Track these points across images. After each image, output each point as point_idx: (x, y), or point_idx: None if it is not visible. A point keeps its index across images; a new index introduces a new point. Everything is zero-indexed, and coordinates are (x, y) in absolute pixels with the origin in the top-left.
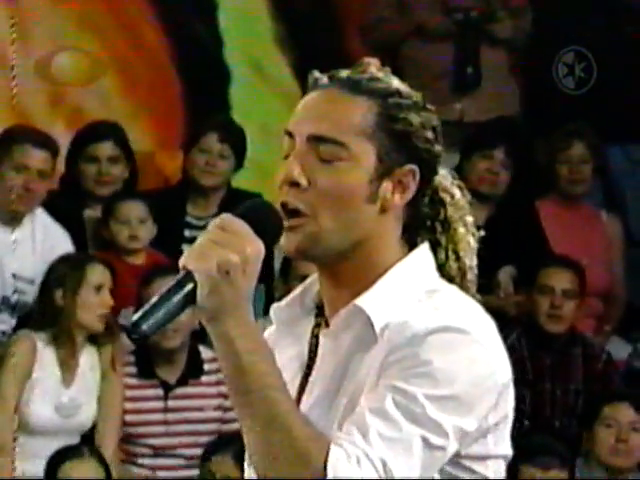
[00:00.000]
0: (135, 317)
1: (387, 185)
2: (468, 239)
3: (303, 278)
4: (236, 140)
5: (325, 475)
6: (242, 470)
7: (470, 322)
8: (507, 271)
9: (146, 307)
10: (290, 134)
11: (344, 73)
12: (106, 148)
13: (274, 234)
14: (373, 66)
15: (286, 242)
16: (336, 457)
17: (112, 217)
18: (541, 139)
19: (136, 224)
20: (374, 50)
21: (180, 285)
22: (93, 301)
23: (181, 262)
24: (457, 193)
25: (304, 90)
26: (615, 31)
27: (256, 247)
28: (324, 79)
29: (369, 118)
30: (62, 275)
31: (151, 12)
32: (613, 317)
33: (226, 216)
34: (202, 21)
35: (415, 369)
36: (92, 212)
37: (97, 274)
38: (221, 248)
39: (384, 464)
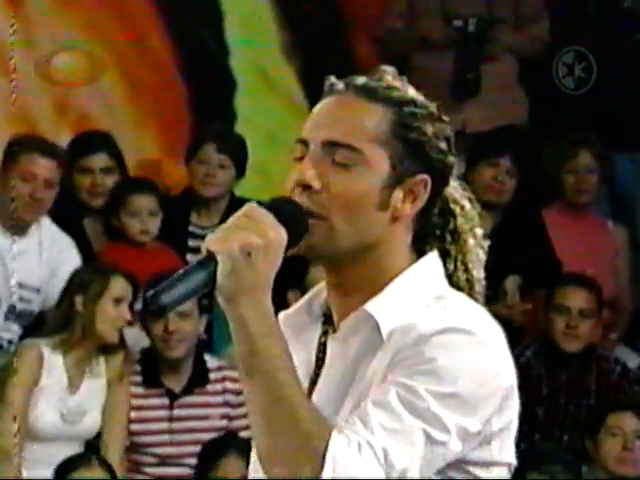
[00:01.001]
0: (154, 290)
1: (398, 193)
2: (477, 251)
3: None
4: (235, 149)
5: (324, 459)
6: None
7: (476, 324)
8: (513, 280)
9: (166, 282)
10: (304, 141)
11: (360, 80)
12: (99, 160)
13: (298, 229)
14: (389, 74)
15: None
16: (337, 443)
17: (122, 208)
18: (548, 147)
19: (147, 217)
20: (382, 58)
21: (201, 265)
22: (111, 312)
23: (204, 245)
24: (467, 205)
25: (310, 99)
26: (615, 31)
27: (279, 233)
28: (340, 85)
29: (383, 125)
30: (85, 282)
31: (158, 20)
32: (619, 326)
33: (251, 204)
34: (208, 29)
35: (419, 366)
36: (91, 221)
37: (119, 286)
38: (244, 231)
39: (386, 453)
